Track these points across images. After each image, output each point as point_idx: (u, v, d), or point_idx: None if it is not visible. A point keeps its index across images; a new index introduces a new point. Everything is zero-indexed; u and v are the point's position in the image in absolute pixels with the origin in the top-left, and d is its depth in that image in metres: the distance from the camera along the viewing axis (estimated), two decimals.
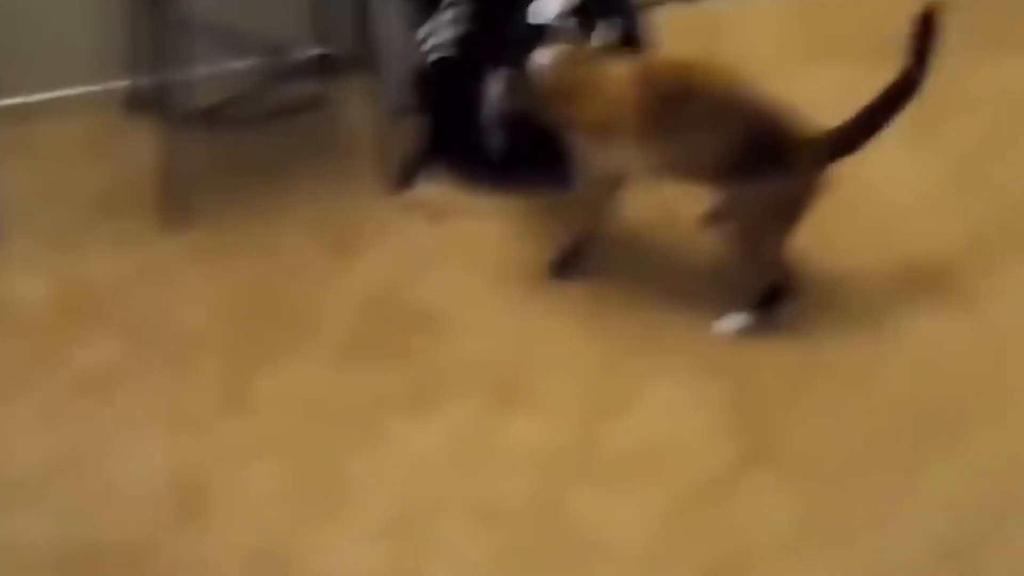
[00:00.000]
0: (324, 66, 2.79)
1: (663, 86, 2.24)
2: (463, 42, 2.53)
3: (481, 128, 2.56)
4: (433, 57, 2.58)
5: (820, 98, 2.68)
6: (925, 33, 2.24)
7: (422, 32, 2.60)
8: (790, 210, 2.27)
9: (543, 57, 2.30)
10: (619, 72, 2.28)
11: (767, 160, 2.21)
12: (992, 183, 2.68)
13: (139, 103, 2.74)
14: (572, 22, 2.50)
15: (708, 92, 2.23)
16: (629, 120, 2.25)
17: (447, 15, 2.54)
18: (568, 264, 2.44)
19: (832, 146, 2.24)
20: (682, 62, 2.30)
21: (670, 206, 2.50)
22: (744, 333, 2.35)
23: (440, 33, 2.56)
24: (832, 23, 3.11)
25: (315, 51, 2.82)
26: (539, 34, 2.47)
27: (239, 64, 2.76)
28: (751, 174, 2.21)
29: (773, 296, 2.35)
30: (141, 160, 2.61)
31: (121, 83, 2.77)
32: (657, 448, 2.18)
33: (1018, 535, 2.04)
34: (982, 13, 3.14)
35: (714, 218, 2.39)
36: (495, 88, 2.50)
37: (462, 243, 2.53)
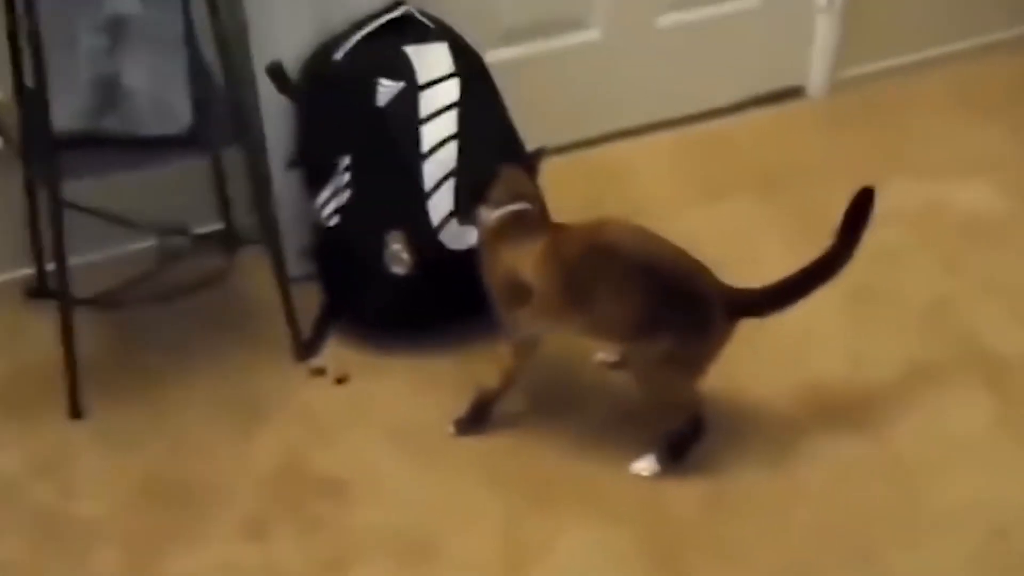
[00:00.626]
0: (224, 241, 2.80)
1: (573, 259, 2.27)
2: (354, 205, 2.55)
3: (380, 287, 2.57)
4: (329, 223, 2.61)
5: (717, 234, 2.76)
6: (858, 214, 2.28)
7: (319, 199, 2.62)
8: (698, 361, 2.29)
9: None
10: (532, 235, 2.31)
11: (680, 318, 2.24)
12: (887, 305, 2.72)
13: (42, 291, 2.73)
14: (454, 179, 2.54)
15: (619, 257, 2.25)
16: (538, 285, 2.28)
17: (342, 180, 2.57)
18: (476, 419, 2.44)
19: (743, 305, 2.27)
20: (588, 228, 2.31)
21: (572, 351, 2.51)
22: (654, 475, 2.34)
23: (335, 199, 2.59)
24: (718, 158, 3.18)
25: (214, 227, 2.84)
26: (424, 195, 2.50)
27: (138, 244, 2.76)
28: (664, 331, 2.23)
29: (681, 439, 2.35)
30: (42, 348, 2.59)
31: (22, 272, 2.76)
32: None
33: None
34: (870, 137, 3.24)
35: (620, 365, 2.41)
36: (394, 246, 2.52)
37: (367, 405, 2.51)
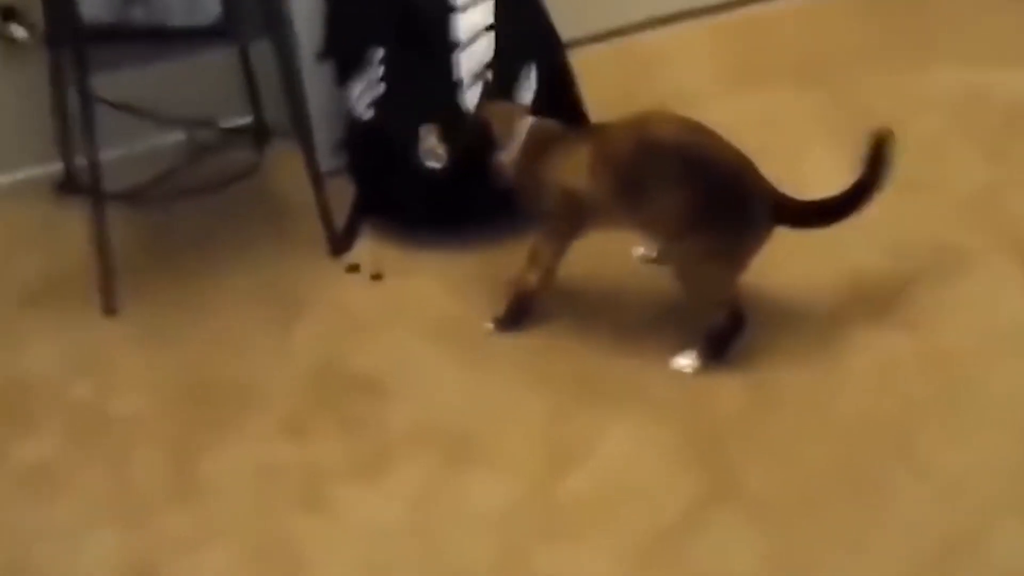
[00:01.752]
0: (254, 135, 2.76)
1: (623, 158, 2.22)
2: (388, 99, 2.50)
3: (414, 183, 2.52)
4: (362, 116, 2.56)
5: (756, 122, 2.71)
6: (877, 159, 2.25)
7: (352, 93, 2.57)
8: (739, 257, 2.26)
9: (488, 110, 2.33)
10: (575, 144, 2.26)
11: (725, 214, 2.21)
12: (929, 195, 2.67)
13: (71, 186, 2.70)
14: (490, 71, 2.47)
15: (668, 153, 2.20)
16: (592, 192, 2.24)
17: (375, 73, 2.51)
18: (514, 318, 2.41)
19: (784, 210, 2.24)
20: (633, 123, 2.26)
21: (611, 248, 2.47)
22: (696, 372, 2.32)
23: (367, 93, 2.54)
24: (756, 46, 3.11)
25: (244, 120, 2.79)
26: (459, 88, 2.45)
27: (168, 139, 2.72)
28: (708, 226, 2.20)
29: (722, 334, 2.32)
30: (74, 245, 2.57)
31: (50, 167, 2.73)
32: (617, 496, 2.14)
33: (989, 550, 2.01)
34: (911, 24, 3.17)
35: (659, 260, 2.38)
36: (429, 139, 2.47)
37: (403, 303, 2.49)
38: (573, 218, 2.30)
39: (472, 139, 2.33)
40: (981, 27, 3.15)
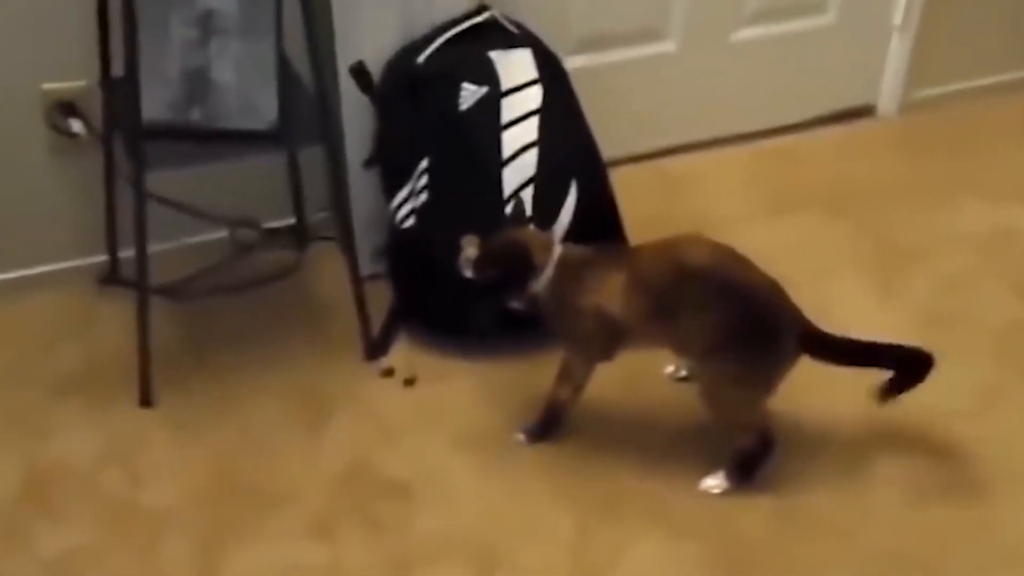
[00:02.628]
0: (295, 236, 2.81)
1: (659, 284, 2.25)
2: (430, 209, 2.55)
3: (451, 292, 2.56)
4: (404, 224, 2.60)
5: (785, 249, 2.75)
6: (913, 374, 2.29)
7: (395, 200, 2.62)
8: (766, 382, 2.28)
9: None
10: (608, 268, 2.29)
11: (754, 339, 2.23)
12: (960, 330, 2.70)
13: (114, 278, 2.74)
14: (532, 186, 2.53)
15: (704, 279, 2.24)
16: (626, 315, 2.26)
17: (420, 183, 2.56)
18: (545, 428, 2.43)
19: (812, 341, 2.26)
20: (666, 247, 2.30)
21: (643, 367, 2.50)
22: (723, 493, 2.33)
23: (411, 200, 2.59)
24: (789, 175, 3.16)
25: (287, 221, 2.84)
26: (502, 201, 2.50)
27: (212, 236, 2.77)
28: (737, 351, 2.23)
29: (751, 457, 2.33)
30: (114, 336, 2.61)
31: (95, 258, 2.77)
32: None
33: None
34: (940, 159, 3.22)
35: (689, 379, 2.40)
36: (469, 250, 2.51)
37: (435, 408, 2.51)
38: (607, 341, 2.32)
39: (509, 260, 2.33)
40: (1012, 164, 3.21)
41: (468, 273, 2.53)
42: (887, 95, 3.39)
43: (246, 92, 2.32)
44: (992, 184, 3.14)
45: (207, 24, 2.28)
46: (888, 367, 2.28)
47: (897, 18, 3.28)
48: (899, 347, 2.28)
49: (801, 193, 3.09)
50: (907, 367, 2.28)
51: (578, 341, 2.36)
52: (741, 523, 2.28)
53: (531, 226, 2.44)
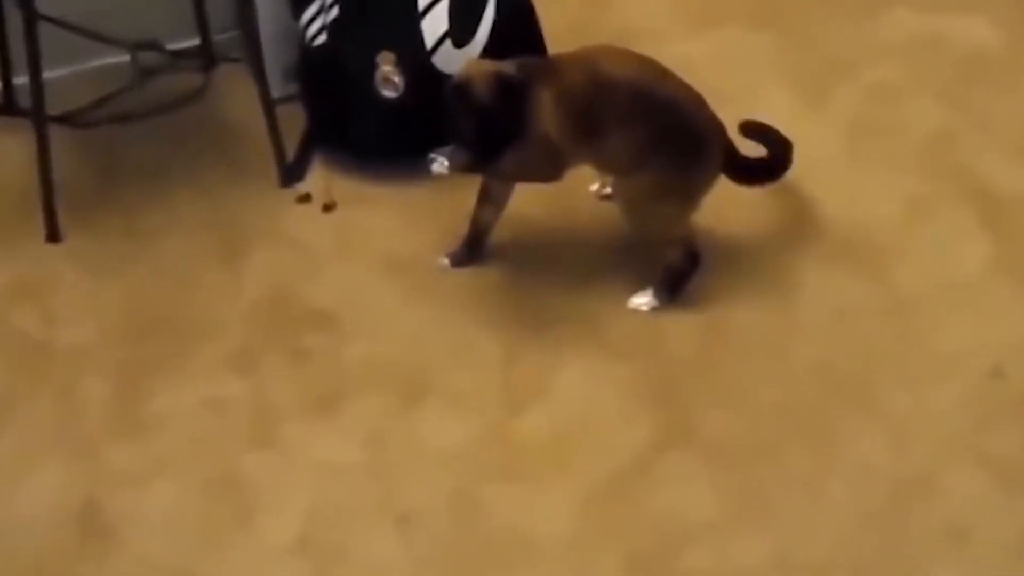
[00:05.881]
0: (201, 58, 2.67)
1: (576, 96, 2.17)
2: (341, 24, 2.44)
3: (367, 111, 2.47)
4: (315, 41, 2.49)
5: (711, 62, 2.68)
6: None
7: (304, 16, 2.50)
8: (689, 193, 2.25)
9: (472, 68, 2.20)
10: (538, 84, 2.17)
11: (675, 149, 2.19)
12: (885, 140, 2.67)
13: (10, 108, 2.60)
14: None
15: (620, 88, 2.17)
16: (556, 128, 2.18)
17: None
18: (470, 251, 2.38)
19: (730, 159, 2.26)
20: (585, 58, 2.22)
21: (567, 185, 2.44)
22: (652, 311, 2.31)
23: (322, 16, 2.47)
24: None
25: (192, 42, 2.70)
26: (417, 13, 2.39)
27: (114, 59, 2.62)
28: (657, 161, 2.18)
29: (678, 273, 2.31)
30: (13, 170, 2.49)
31: None
32: (572, 437, 2.13)
33: (941, 495, 2.04)
34: None
35: (614, 196, 2.35)
36: (384, 67, 2.41)
37: (356, 235, 2.44)
38: (550, 167, 2.25)
39: (454, 102, 2.16)
40: None
41: (384, 91, 2.44)
42: None
43: None
44: None
45: None
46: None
47: None
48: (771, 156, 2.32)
49: (728, 5, 3.00)
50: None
51: (524, 170, 2.26)
52: (671, 341, 2.27)
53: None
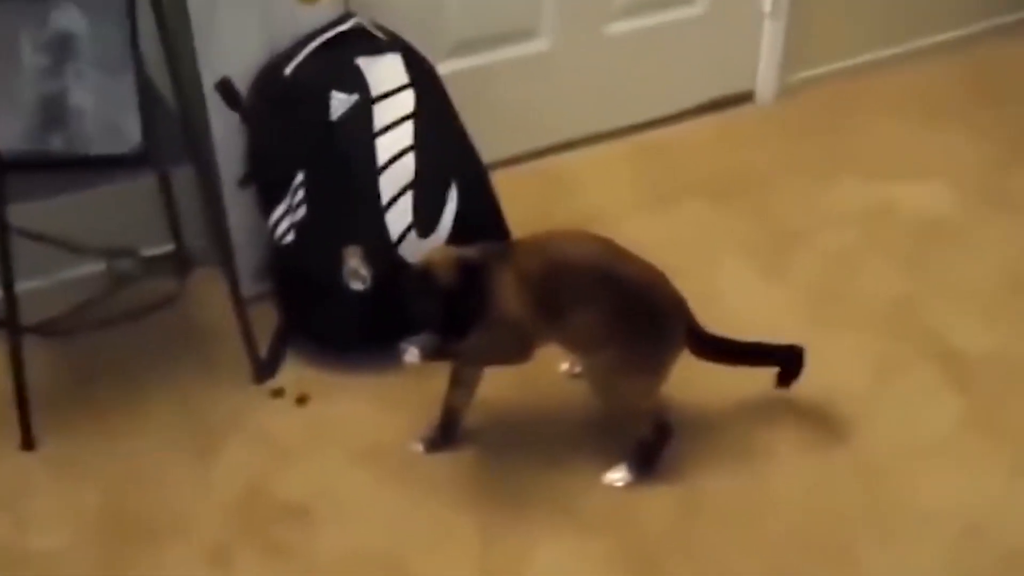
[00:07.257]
0: (175, 262, 2.73)
1: (535, 278, 2.21)
2: (309, 223, 2.50)
3: (336, 305, 2.52)
4: (284, 240, 2.55)
5: (671, 240, 2.75)
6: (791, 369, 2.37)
7: (273, 217, 2.57)
8: (654, 369, 2.27)
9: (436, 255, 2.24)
10: (500, 266, 2.21)
11: (639, 326, 2.22)
12: (848, 306, 2.72)
13: None
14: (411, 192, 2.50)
15: (576, 268, 2.22)
16: (519, 310, 2.21)
17: (296, 197, 2.51)
18: (443, 436, 2.39)
19: (693, 336, 2.28)
20: (542, 242, 2.27)
21: (538, 366, 2.47)
22: (627, 485, 2.31)
23: (289, 216, 2.54)
24: (671, 164, 3.16)
25: (165, 248, 2.77)
26: (380, 209, 2.47)
27: (86, 269, 2.68)
28: (621, 339, 2.22)
29: (650, 447, 2.32)
30: None
31: None
32: None
33: None
34: (821, 140, 3.25)
35: (584, 375, 2.38)
36: (351, 261, 2.47)
37: (328, 425, 2.46)
38: (520, 346, 2.27)
39: (417, 288, 2.19)
40: (891, 142, 3.24)
41: (352, 284, 2.49)
42: (764, 81, 3.41)
43: (107, 116, 2.24)
44: (869, 162, 3.17)
45: (60, 49, 2.20)
46: (767, 364, 2.34)
47: (766, 5, 3.30)
48: (771, 346, 2.33)
49: (684, 183, 3.10)
50: (783, 363, 2.35)
51: (492, 353, 2.29)
52: (646, 515, 2.27)
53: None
